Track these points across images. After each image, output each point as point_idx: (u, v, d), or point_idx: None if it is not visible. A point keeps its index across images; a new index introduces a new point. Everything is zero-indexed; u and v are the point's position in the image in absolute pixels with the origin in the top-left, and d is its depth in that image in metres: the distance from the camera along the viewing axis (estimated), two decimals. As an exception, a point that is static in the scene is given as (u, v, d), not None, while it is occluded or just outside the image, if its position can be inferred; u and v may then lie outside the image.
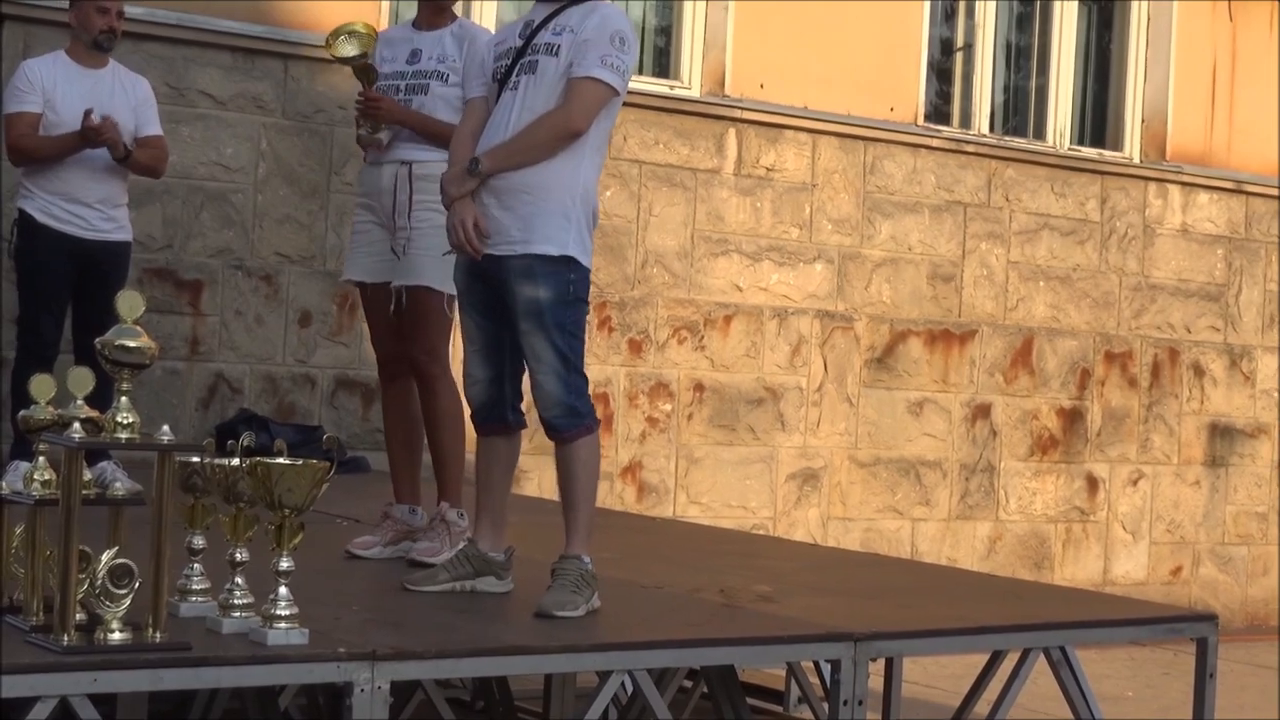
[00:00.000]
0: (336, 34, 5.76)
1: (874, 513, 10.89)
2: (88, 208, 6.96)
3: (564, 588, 4.76)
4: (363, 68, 5.70)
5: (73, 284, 6.96)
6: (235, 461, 4.17)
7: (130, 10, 7.80)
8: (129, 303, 3.94)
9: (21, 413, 4.30)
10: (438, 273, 5.46)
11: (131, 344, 3.89)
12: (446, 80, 5.56)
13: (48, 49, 7.80)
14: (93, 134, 6.90)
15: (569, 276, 4.83)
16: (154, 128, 7.28)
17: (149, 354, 3.91)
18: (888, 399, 10.94)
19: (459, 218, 4.85)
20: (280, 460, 4.00)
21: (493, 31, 5.68)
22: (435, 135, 5.49)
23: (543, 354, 4.84)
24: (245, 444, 4.18)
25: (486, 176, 4.81)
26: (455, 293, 5.23)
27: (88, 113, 6.88)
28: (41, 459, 4.19)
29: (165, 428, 4.03)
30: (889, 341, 10.95)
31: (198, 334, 8.77)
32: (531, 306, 4.82)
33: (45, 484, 4.12)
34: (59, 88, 6.97)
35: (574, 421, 4.86)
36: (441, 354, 5.66)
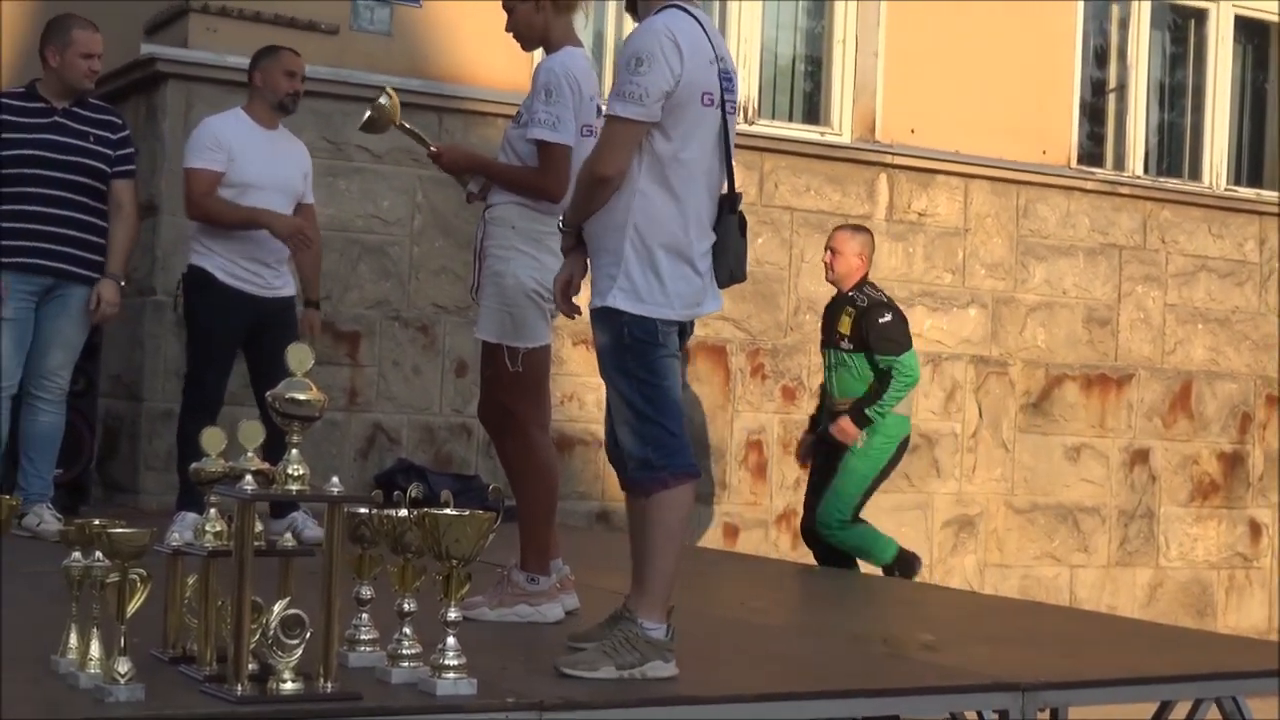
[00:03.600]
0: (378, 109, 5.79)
1: (1031, 559, 10.76)
2: (266, 266, 7.01)
3: (598, 649, 4.38)
4: (370, 124, 5.74)
5: (242, 339, 7.03)
6: (403, 512, 4.20)
7: (288, 66, 7.93)
8: (299, 356, 3.99)
9: (193, 465, 4.37)
10: (495, 324, 5.33)
11: (301, 397, 3.93)
12: (518, 120, 5.47)
13: (209, 107, 7.96)
14: (296, 242, 7.00)
15: (621, 320, 4.48)
16: (309, 197, 7.34)
17: (318, 407, 3.95)
18: (1044, 444, 10.81)
19: (555, 276, 4.78)
20: (447, 511, 4.01)
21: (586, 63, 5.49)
22: (499, 179, 5.43)
23: (612, 403, 4.58)
24: (412, 495, 4.22)
25: (571, 230, 4.65)
26: (524, 345, 5.21)
27: (299, 230, 6.94)
28: (213, 511, 4.25)
29: (334, 479, 4.07)
30: (1044, 386, 10.83)
31: (356, 385, 8.89)
32: (598, 357, 4.61)
33: (217, 535, 4.18)
34: (240, 147, 7.02)
35: (648, 475, 4.46)
36: (513, 409, 5.39)
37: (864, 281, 8.19)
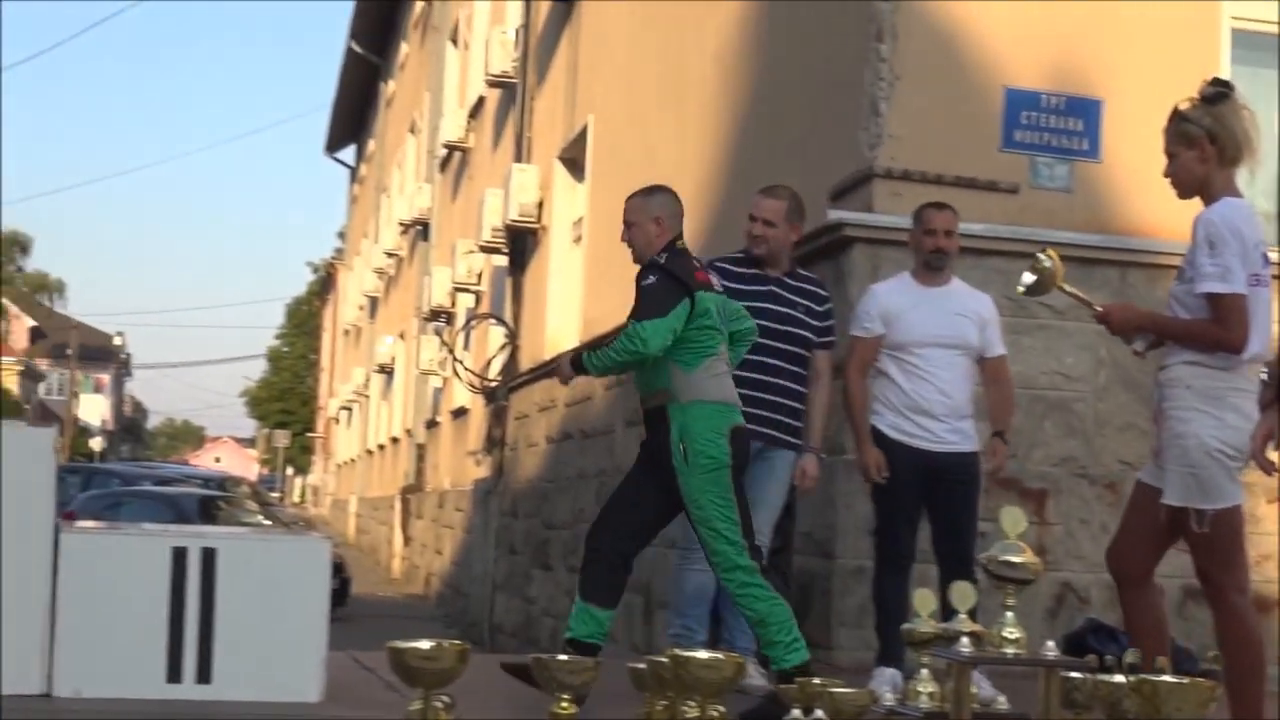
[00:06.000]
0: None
1: None
2: (935, 420, 7.11)
3: None
4: (1032, 287, 5.63)
5: (923, 495, 7.11)
6: (1119, 678, 4.13)
7: (970, 228, 8.01)
8: (1011, 518, 4.02)
9: (905, 626, 4.44)
10: (1180, 488, 5.19)
11: (1016, 560, 3.95)
12: (1182, 277, 5.33)
13: (895, 269, 8.12)
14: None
15: None
16: (998, 348, 7.36)
17: (1033, 570, 3.97)
18: None
19: (1251, 431, 4.64)
20: (1167, 678, 3.92)
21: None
22: (1174, 335, 5.29)
23: None
24: (1130, 661, 4.14)
25: (1272, 384, 4.58)
26: (1212, 507, 5.05)
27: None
28: (924, 671, 4.30)
29: (1049, 644, 4.05)
30: None
31: (1044, 542, 8.79)
32: None
33: (930, 696, 4.22)
34: (898, 309, 7.17)
35: None
36: (1213, 577, 5.27)
37: None
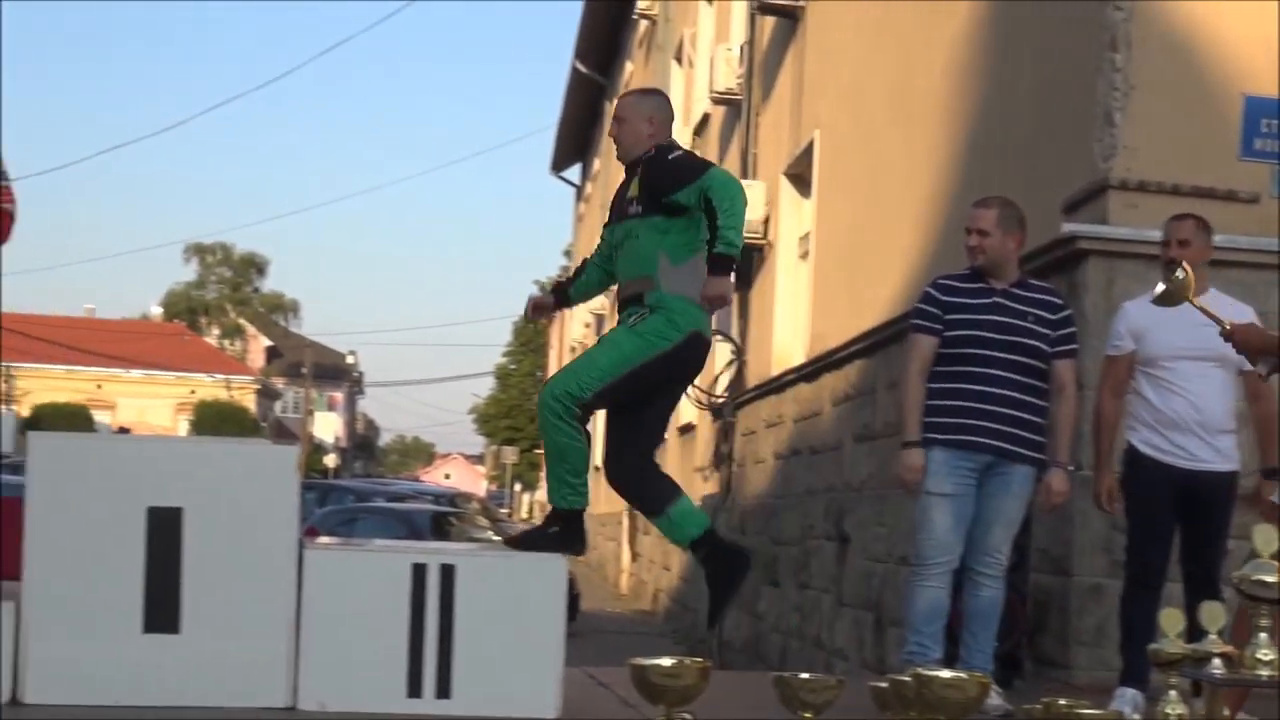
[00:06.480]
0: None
1: None
2: (1189, 436, 6.95)
3: None
4: (1162, 297, 5.66)
5: (1178, 513, 6.96)
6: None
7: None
8: (1264, 537, 3.91)
9: (1152, 646, 4.35)
10: None
11: (1270, 579, 3.85)
12: None
13: (1131, 282, 8.00)
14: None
15: None
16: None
17: (1287, 590, 3.85)
18: None
19: None
20: None
21: None
22: None
23: None
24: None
25: None
26: None
27: None
28: (1173, 693, 4.21)
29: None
30: None
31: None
32: None
33: (1179, 718, 4.13)
34: (1147, 323, 7.03)
35: None
36: None
37: None
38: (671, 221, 6.24)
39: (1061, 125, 9.63)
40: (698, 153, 6.40)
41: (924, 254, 11.79)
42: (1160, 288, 5.81)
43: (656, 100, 6.59)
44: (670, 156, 6.29)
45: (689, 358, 6.29)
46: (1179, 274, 5.73)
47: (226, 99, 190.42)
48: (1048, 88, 9.93)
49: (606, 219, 6.62)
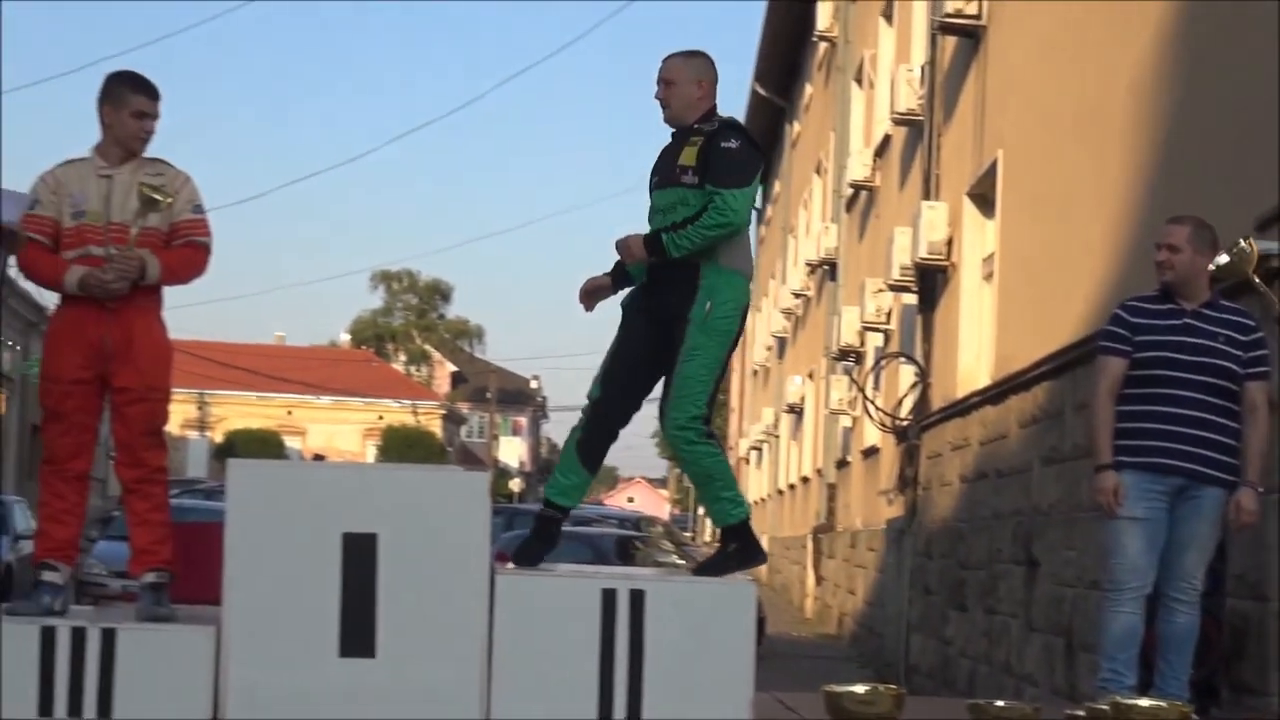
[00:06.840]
0: None
1: None
2: None
3: None
4: (1227, 269, 5.61)
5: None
6: None
7: None
8: None
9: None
10: None
11: None
12: None
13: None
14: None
15: None
16: None
17: None
18: None
19: None
20: None
21: None
22: None
23: None
24: None
25: None
26: None
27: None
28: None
29: None
30: None
31: None
32: None
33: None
34: None
35: None
36: None
37: None
38: None
39: (1254, 142, 9.45)
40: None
41: (1112, 274, 11.62)
42: (1223, 258, 5.81)
43: (703, 62, 6.57)
44: (730, 147, 6.31)
45: (742, 329, 6.52)
46: (1244, 246, 5.73)
47: (410, 129, 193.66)
48: (1239, 104, 9.75)
49: (652, 181, 6.61)
